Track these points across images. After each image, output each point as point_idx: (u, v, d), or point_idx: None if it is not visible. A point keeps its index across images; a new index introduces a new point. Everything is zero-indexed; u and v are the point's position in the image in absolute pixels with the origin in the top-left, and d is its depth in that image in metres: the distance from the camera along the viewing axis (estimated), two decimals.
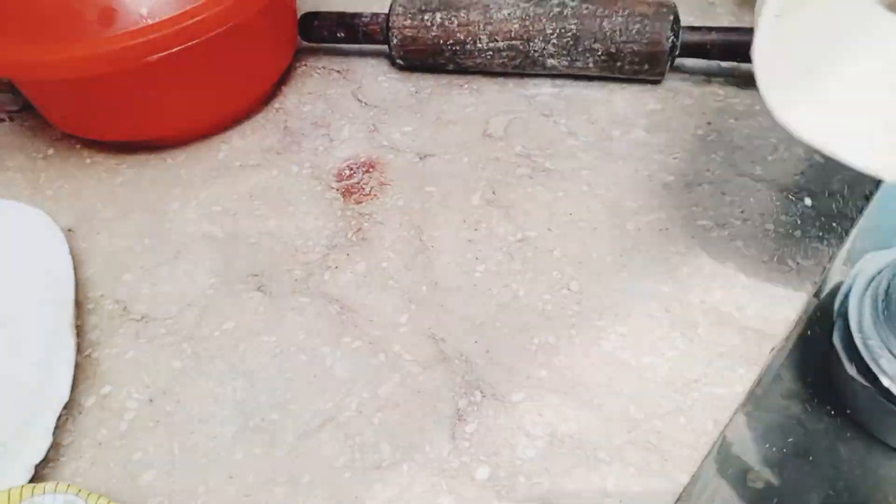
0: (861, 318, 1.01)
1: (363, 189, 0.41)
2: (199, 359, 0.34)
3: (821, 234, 0.34)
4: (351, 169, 0.42)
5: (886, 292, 1.03)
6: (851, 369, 1.01)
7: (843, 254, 1.35)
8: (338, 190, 0.41)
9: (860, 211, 0.35)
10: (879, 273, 1.08)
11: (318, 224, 0.39)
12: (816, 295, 1.31)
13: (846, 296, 1.09)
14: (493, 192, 0.40)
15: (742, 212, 0.36)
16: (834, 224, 0.35)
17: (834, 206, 0.35)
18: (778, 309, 0.32)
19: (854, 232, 1.28)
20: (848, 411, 1.07)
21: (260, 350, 0.34)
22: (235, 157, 0.44)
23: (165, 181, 0.43)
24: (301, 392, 0.32)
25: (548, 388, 0.31)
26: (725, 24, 0.48)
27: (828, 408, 1.12)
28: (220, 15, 0.39)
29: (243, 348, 0.34)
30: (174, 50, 0.39)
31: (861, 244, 1.28)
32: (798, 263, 0.33)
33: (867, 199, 0.35)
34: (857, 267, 1.15)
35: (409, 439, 0.30)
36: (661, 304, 0.33)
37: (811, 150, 0.38)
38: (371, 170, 0.42)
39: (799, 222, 0.35)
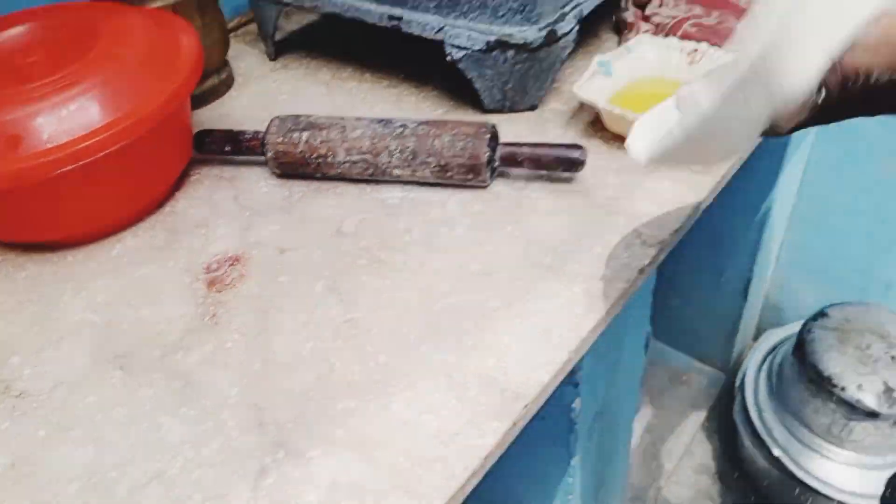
0: (757, 391, 1.07)
1: (224, 280, 0.48)
2: (61, 428, 0.40)
3: (583, 311, 0.42)
4: (218, 263, 0.49)
5: (780, 366, 1.10)
6: (748, 440, 1.07)
7: (750, 331, 1.42)
8: (203, 281, 0.48)
9: (620, 295, 0.42)
10: (774, 349, 1.15)
11: (181, 311, 0.46)
12: (724, 370, 1.37)
13: (745, 371, 1.15)
14: (334, 281, 0.47)
15: (526, 294, 0.43)
16: (597, 304, 0.42)
17: (600, 289, 0.43)
18: (534, 374, 0.38)
19: (758, 312, 1.35)
20: (750, 482, 1.11)
21: (112, 419, 0.40)
22: (126, 254, 0.51)
23: (62, 276, 0.50)
24: (138, 454, 0.38)
25: (340, 445, 0.37)
26: (552, 137, 0.57)
27: (735, 480, 1.15)
28: (111, 138, 0.48)
29: (99, 418, 0.40)
30: (72, 167, 0.47)
31: (766, 322, 1.35)
32: (561, 336, 0.40)
33: (629, 283, 0.43)
34: (756, 343, 1.22)
35: (217, 491, 0.35)
36: (445, 370, 0.39)
37: (596, 243, 0.46)
38: (235, 263, 0.49)
39: (566, 304, 0.42)
